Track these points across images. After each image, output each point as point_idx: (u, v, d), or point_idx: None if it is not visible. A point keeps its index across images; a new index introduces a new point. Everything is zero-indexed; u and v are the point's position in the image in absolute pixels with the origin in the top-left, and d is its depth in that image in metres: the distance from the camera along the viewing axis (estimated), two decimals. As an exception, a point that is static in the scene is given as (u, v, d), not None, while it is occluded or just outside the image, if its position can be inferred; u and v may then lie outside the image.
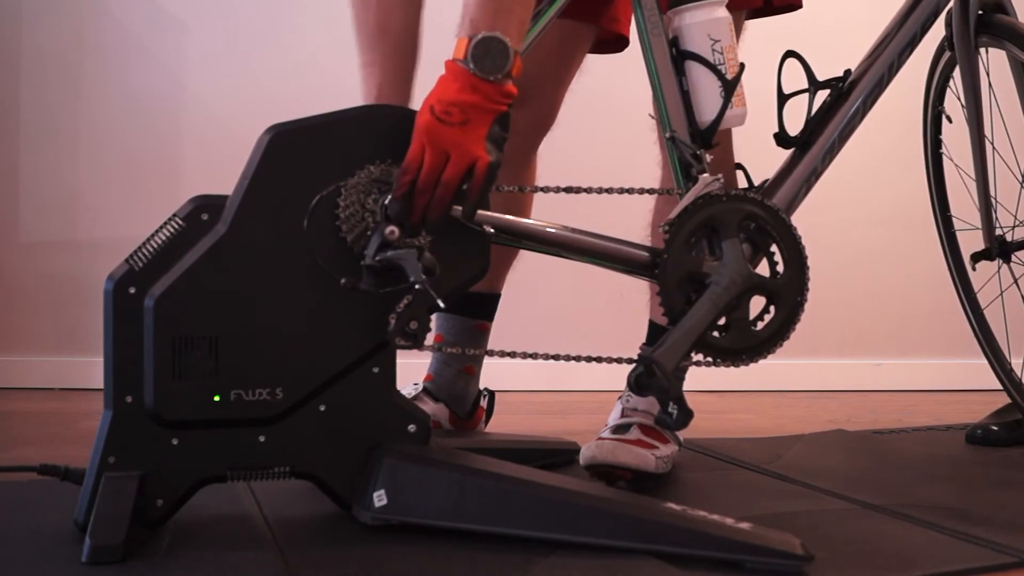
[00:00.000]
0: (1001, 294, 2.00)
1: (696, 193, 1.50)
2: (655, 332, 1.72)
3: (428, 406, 1.79)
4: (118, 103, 2.84)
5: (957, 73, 1.86)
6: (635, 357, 1.48)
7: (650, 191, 1.62)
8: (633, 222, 1.78)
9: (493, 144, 1.32)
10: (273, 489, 1.45)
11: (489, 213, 1.42)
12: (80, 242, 2.82)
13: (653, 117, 1.58)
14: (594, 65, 1.90)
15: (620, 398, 1.74)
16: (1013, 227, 1.97)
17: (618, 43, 1.89)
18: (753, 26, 1.82)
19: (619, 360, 1.50)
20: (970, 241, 2.03)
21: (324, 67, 2.80)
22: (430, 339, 1.44)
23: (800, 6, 1.84)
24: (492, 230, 1.41)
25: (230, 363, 1.29)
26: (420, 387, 1.83)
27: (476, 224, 1.38)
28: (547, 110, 1.85)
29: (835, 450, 1.97)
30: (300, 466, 1.33)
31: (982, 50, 1.83)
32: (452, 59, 1.31)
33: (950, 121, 2.05)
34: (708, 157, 1.53)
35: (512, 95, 1.32)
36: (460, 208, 1.34)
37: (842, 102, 1.61)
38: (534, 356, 1.45)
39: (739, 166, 1.61)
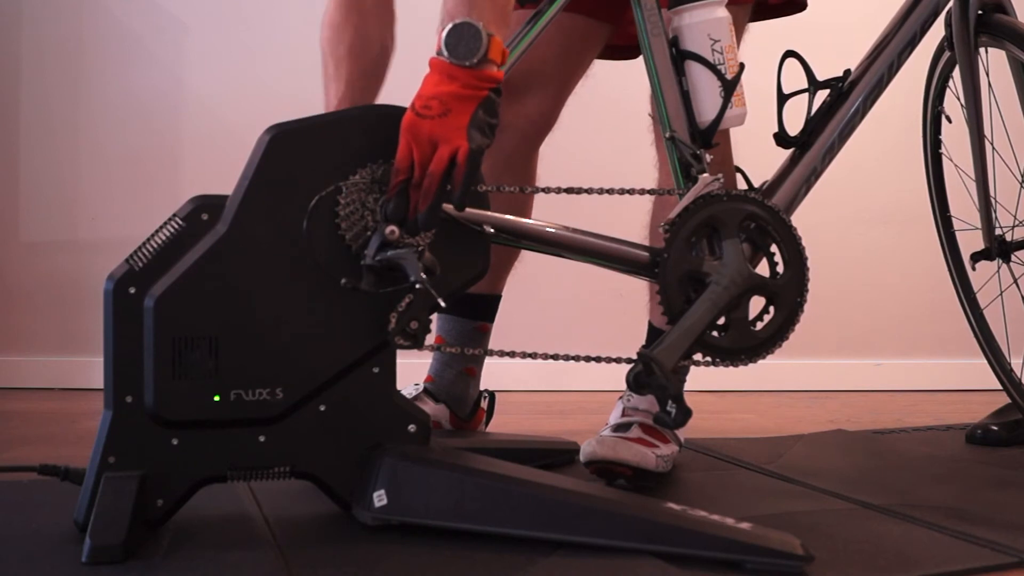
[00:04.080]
0: (1001, 294, 2.00)
1: (696, 193, 1.50)
2: (654, 336, 1.71)
3: (428, 407, 1.78)
4: (118, 103, 2.84)
5: (957, 73, 1.86)
6: (635, 357, 1.48)
7: (650, 191, 1.61)
8: (633, 222, 1.78)
9: (478, 131, 1.30)
10: (273, 489, 1.45)
11: (489, 213, 1.41)
12: (80, 242, 2.82)
13: (652, 117, 1.58)
14: (594, 65, 1.89)
15: (621, 398, 1.74)
16: (1013, 227, 1.97)
17: (631, 50, 1.84)
18: (753, 26, 1.82)
19: (619, 360, 1.50)
20: (970, 241, 2.03)
21: (324, 67, 2.80)
22: (430, 340, 1.44)
23: (804, 7, 1.84)
24: (492, 230, 1.41)
25: (230, 363, 1.29)
26: (420, 388, 1.83)
27: (475, 222, 1.37)
28: (548, 108, 1.81)
29: (835, 450, 1.97)
30: (300, 466, 1.33)
31: (982, 50, 1.83)
32: (433, 55, 1.31)
33: (950, 121, 2.05)
34: (708, 157, 1.53)
35: (495, 79, 1.31)
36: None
37: (842, 102, 1.61)
38: (534, 356, 1.45)
39: (738, 170, 1.61)
